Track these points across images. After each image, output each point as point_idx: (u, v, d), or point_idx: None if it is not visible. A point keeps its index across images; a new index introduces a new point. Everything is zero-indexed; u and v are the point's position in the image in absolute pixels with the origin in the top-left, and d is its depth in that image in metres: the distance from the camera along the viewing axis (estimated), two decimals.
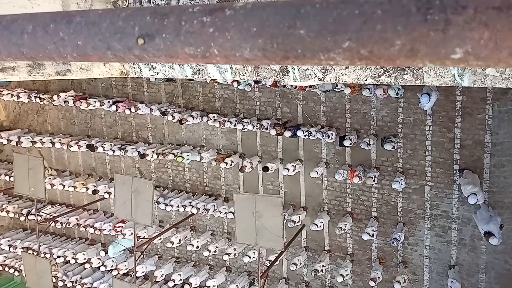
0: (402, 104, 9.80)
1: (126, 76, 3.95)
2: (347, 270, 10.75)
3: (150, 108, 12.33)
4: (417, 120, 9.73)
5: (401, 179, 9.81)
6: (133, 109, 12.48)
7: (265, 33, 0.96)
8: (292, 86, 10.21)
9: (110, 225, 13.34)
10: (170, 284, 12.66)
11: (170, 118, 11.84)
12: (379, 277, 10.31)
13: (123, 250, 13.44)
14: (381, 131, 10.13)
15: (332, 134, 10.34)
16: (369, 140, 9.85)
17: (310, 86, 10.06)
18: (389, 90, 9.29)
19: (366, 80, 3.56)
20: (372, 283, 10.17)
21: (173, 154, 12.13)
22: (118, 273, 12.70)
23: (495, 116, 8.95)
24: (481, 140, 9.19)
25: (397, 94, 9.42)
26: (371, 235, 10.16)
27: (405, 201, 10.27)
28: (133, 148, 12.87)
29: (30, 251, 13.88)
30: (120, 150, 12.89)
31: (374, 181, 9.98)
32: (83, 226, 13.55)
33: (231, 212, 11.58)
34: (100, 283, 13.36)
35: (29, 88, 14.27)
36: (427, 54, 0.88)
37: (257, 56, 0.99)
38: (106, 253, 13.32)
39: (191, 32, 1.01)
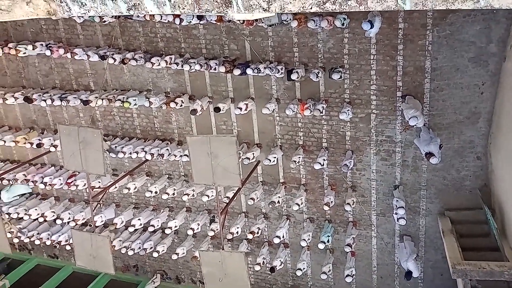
0: (347, 34, 9.85)
1: (53, 15, 3.57)
2: (301, 199, 11.33)
3: (87, 55, 11.50)
4: (362, 50, 9.88)
5: (348, 110, 10.13)
6: (69, 55, 11.64)
7: None
8: (238, 21, 9.87)
9: (60, 179, 12.93)
10: (131, 229, 12.79)
11: (111, 61, 11.17)
12: (331, 201, 10.99)
13: (18, 196, 13.64)
14: (328, 63, 10.22)
15: (281, 69, 10.30)
16: (318, 72, 9.93)
17: (256, 20, 9.77)
18: (335, 21, 9.23)
19: (311, 8, 3.48)
20: (326, 207, 10.87)
21: (120, 100, 11.64)
22: (76, 224, 12.59)
23: (435, 41, 9.26)
24: (422, 66, 9.56)
25: (343, 24, 9.39)
26: (322, 164, 10.64)
27: (353, 130, 10.72)
28: (75, 97, 12.19)
29: None
30: (61, 101, 12.16)
31: (321, 112, 10.23)
32: (31, 181, 13.04)
33: (185, 155, 11.56)
34: (59, 236, 13.22)
35: None
36: None
37: None
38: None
39: None
